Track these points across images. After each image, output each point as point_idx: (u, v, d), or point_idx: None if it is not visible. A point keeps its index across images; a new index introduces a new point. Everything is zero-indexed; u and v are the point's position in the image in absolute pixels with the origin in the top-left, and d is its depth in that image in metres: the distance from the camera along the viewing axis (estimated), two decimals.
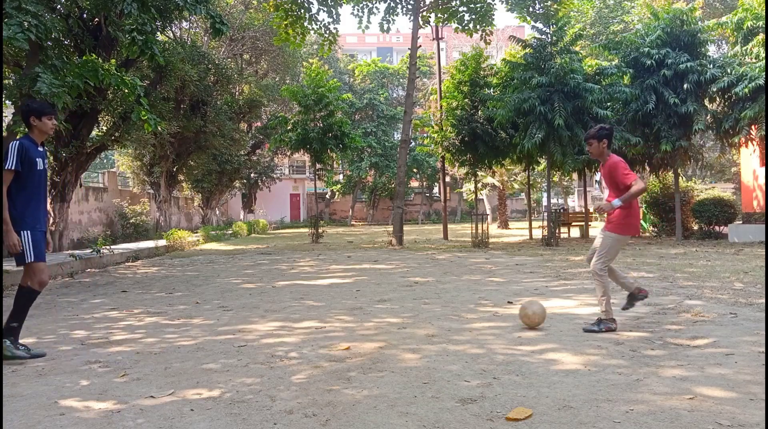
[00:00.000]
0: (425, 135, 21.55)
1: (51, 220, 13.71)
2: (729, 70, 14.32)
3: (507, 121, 15.82)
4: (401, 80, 40.09)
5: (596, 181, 34.84)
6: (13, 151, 4.18)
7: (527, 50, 15.78)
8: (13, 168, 4.16)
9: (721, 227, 16.01)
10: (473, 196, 24.55)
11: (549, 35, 15.53)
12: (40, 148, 4.41)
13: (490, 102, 16.69)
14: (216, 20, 9.83)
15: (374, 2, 19.50)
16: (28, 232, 4.23)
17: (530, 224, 19.29)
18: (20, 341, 4.42)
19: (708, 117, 14.87)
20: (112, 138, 14.50)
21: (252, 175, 34.16)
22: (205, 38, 24.44)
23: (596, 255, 4.94)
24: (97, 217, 19.43)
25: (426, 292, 7.40)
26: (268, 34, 24.26)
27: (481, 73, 18.33)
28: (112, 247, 13.81)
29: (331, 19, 19.41)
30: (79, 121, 13.40)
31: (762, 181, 16.82)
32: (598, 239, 5.07)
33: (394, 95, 42.21)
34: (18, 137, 4.35)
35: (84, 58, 8.97)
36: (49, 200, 13.87)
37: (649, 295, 6.51)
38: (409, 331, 4.99)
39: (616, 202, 4.78)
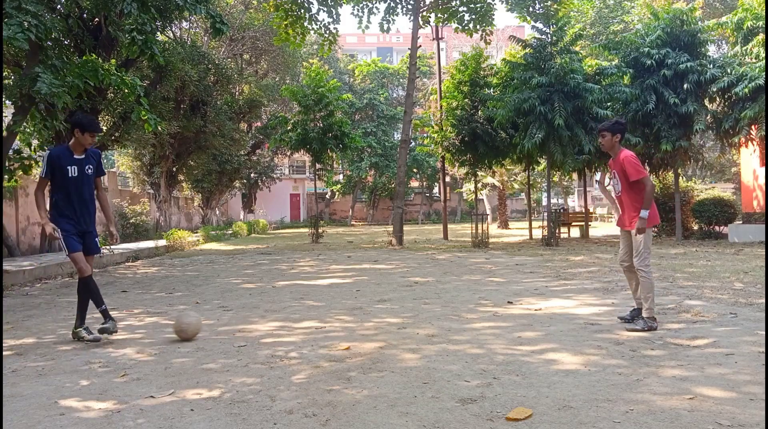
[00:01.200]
0: (425, 135, 21.54)
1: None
2: (729, 70, 14.32)
3: (507, 121, 15.81)
4: (401, 80, 40.08)
5: (596, 180, 34.76)
6: (44, 162, 4.84)
7: (527, 50, 15.77)
8: (43, 177, 4.84)
9: (721, 227, 16.01)
10: (473, 196, 24.55)
11: (549, 35, 15.52)
12: (78, 156, 4.88)
13: (490, 102, 16.68)
14: (216, 20, 9.82)
15: (374, 2, 19.50)
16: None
17: (530, 224, 19.29)
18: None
19: (708, 117, 14.87)
20: (112, 138, 14.49)
21: (252, 175, 34.17)
22: (205, 38, 24.44)
23: (636, 254, 4.94)
24: (97, 217, 19.40)
25: (426, 292, 7.40)
26: (268, 34, 24.26)
27: (481, 73, 18.32)
28: (112, 247, 13.80)
29: (331, 19, 19.42)
30: None
31: (762, 181, 16.82)
32: (624, 240, 5.17)
33: (394, 95, 42.20)
34: (53, 147, 5.01)
35: (84, 58, 8.97)
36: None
37: None
38: (409, 331, 4.99)
39: (644, 213, 4.89)
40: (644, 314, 4.85)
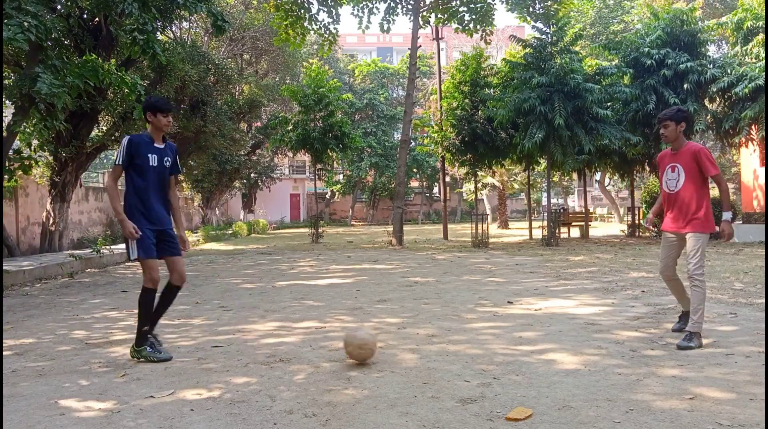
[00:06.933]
0: (425, 135, 21.54)
1: (51, 220, 13.70)
2: (729, 70, 14.32)
3: (507, 121, 15.81)
4: (401, 80, 40.05)
5: (596, 180, 34.77)
6: (121, 148, 4.20)
7: (527, 50, 15.78)
8: (119, 164, 4.18)
9: None
10: (473, 196, 24.55)
11: (549, 35, 15.52)
12: (158, 145, 4.31)
13: (490, 102, 16.68)
14: (218, 18, 9.85)
15: (374, 2, 19.49)
16: None
17: (530, 224, 19.29)
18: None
19: (708, 117, 14.87)
20: (112, 138, 14.49)
21: (252, 175, 34.14)
22: (205, 38, 24.44)
23: (691, 259, 4.32)
24: (97, 217, 19.42)
25: (426, 292, 7.40)
26: (268, 34, 24.24)
27: (482, 73, 18.32)
28: (112, 247, 13.79)
29: (331, 20, 19.41)
30: (79, 121, 13.40)
31: (762, 181, 16.82)
32: (670, 246, 4.62)
33: (394, 95, 42.16)
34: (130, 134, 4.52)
35: (84, 58, 8.98)
36: (49, 200, 13.86)
37: (650, 295, 6.53)
38: (409, 331, 4.98)
39: (728, 214, 4.33)
40: (691, 328, 4.24)
